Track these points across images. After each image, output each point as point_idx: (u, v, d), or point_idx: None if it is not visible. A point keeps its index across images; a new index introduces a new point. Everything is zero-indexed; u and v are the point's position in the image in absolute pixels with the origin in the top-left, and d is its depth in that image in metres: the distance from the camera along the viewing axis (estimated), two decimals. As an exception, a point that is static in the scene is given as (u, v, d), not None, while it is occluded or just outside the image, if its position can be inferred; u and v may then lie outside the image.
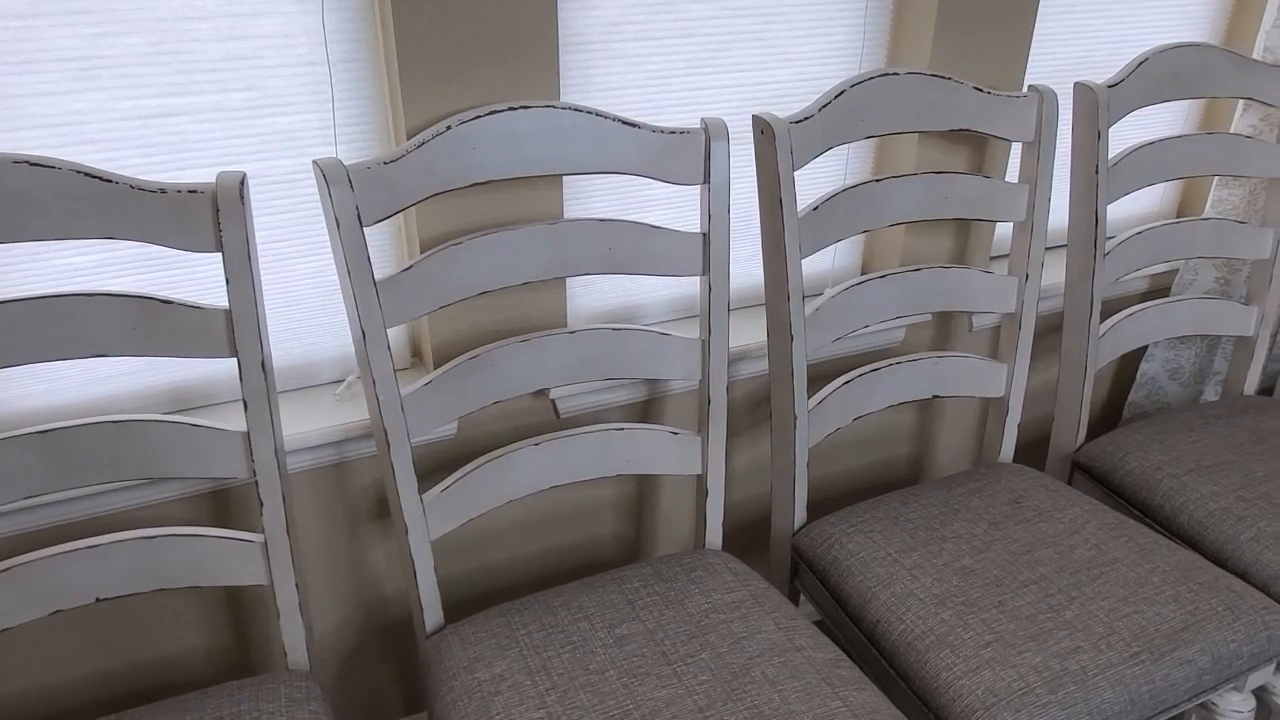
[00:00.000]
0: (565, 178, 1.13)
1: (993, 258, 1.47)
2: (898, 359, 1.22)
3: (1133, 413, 1.63)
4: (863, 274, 1.40)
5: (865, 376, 1.19)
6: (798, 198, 1.15)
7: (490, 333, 1.12)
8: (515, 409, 1.19)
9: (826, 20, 1.20)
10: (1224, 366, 1.62)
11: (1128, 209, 1.58)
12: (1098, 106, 1.18)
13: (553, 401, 1.19)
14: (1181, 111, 1.55)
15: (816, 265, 1.36)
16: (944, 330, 1.44)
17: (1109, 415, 1.69)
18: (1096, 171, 1.21)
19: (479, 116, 0.93)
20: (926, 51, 1.21)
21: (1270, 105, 1.35)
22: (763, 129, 1.02)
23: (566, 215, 1.16)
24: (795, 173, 1.13)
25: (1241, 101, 1.44)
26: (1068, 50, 1.40)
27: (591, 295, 1.23)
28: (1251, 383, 1.48)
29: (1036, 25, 1.36)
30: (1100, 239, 1.24)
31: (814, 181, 1.30)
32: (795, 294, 1.07)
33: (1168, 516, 1.21)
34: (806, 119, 1.05)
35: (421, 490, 0.99)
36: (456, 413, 1.00)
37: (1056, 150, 1.21)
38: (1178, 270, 1.55)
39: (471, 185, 0.97)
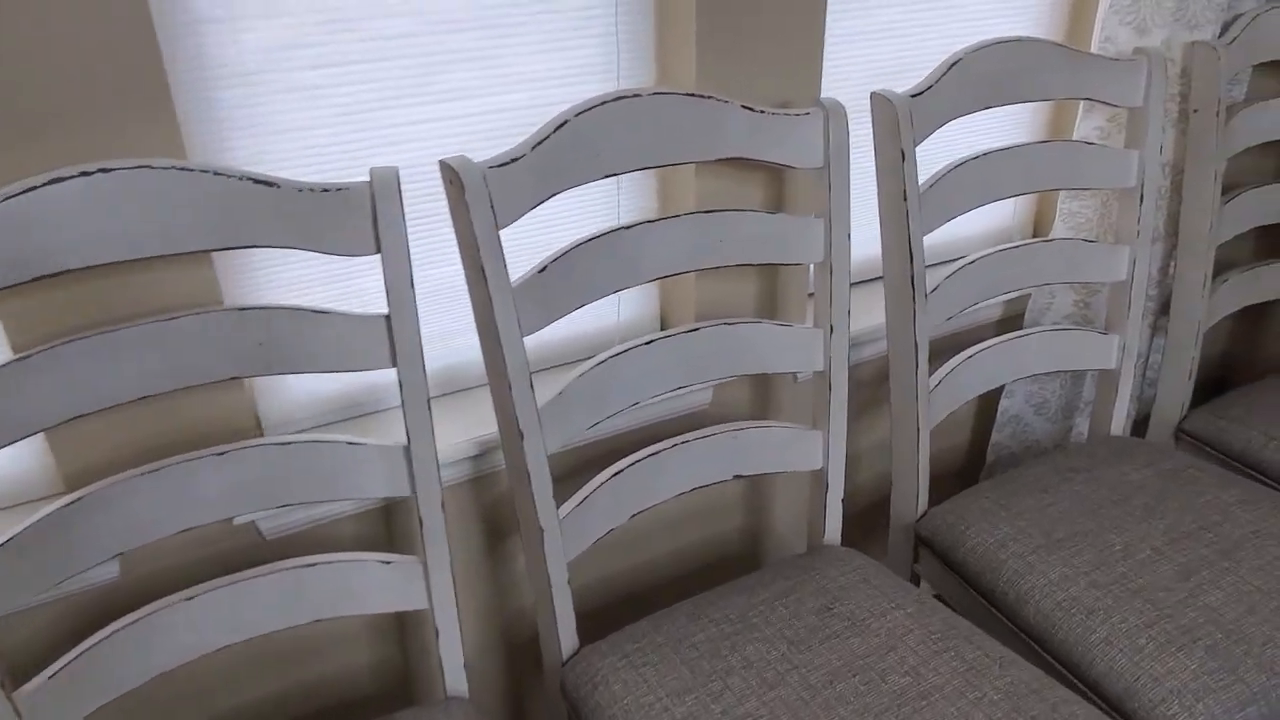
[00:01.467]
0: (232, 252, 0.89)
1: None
2: (681, 439, 1.00)
3: (997, 454, 1.44)
4: (662, 327, 1.19)
5: (642, 464, 0.98)
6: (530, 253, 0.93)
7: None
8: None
9: (567, 33, 0.98)
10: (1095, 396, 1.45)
11: (974, 229, 1.39)
12: (898, 121, 0.98)
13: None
14: (1026, 118, 1.36)
15: (601, 322, 1.14)
16: (763, 386, 1.23)
17: (974, 460, 1.51)
18: (905, 197, 1.01)
19: (29, 190, 0.69)
20: (693, 64, 1.00)
21: (1113, 105, 1.17)
22: (451, 178, 0.80)
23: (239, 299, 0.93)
24: (509, 227, 0.92)
25: (1083, 103, 1.26)
26: (882, 52, 1.20)
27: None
28: (1119, 420, 1.29)
29: (846, 23, 1.16)
30: (918, 275, 1.04)
31: (572, 225, 1.08)
32: (518, 379, 0.84)
33: (1012, 607, 1.01)
34: (514, 161, 0.82)
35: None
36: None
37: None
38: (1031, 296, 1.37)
39: (62, 273, 0.73)
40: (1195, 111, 1.22)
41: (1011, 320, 1.40)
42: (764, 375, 1.22)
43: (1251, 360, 1.72)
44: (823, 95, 1.15)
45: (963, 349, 1.18)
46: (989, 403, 1.47)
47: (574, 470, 1.13)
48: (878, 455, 1.41)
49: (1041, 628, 0.97)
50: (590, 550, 1.19)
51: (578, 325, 1.13)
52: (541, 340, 1.12)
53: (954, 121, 1.26)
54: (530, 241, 1.06)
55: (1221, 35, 1.24)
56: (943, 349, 1.31)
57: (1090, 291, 1.34)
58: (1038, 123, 1.37)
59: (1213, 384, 1.77)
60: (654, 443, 1.00)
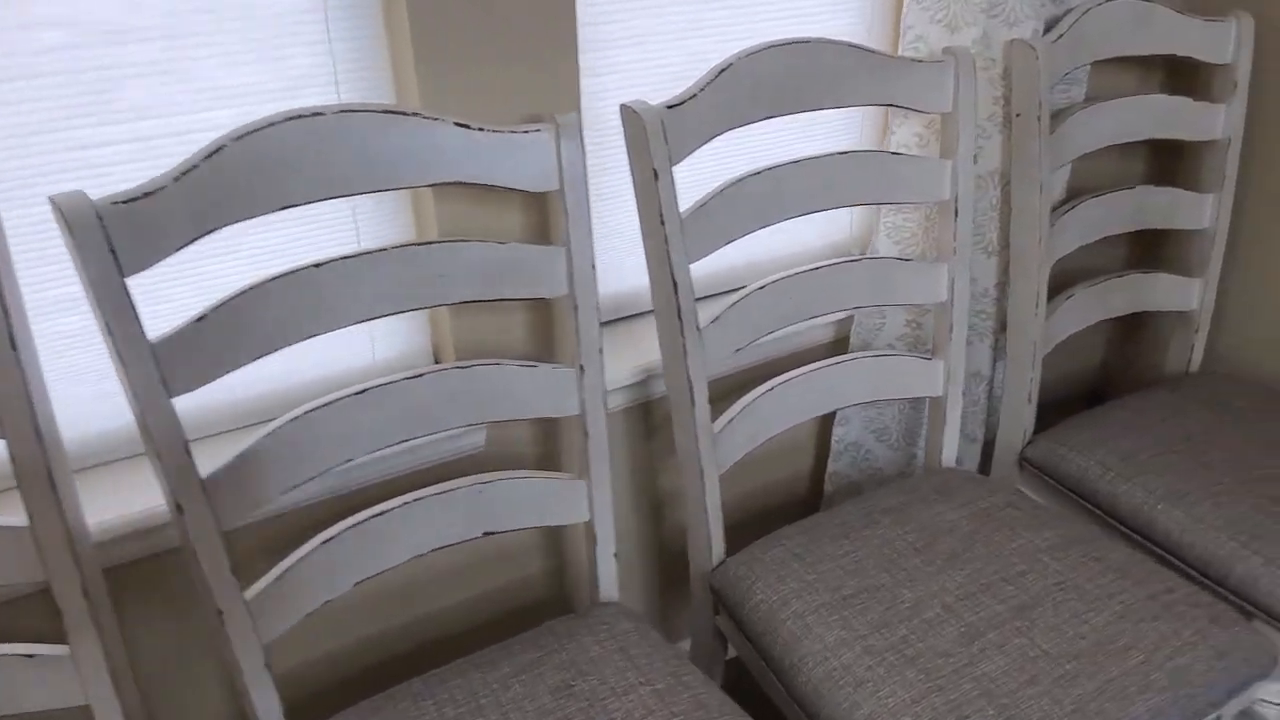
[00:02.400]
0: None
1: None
2: (415, 495, 0.90)
3: (836, 484, 1.34)
4: (437, 362, 1.08)
5: (357, 530, 0.87)
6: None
7: None
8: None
9: (273, 41, 0.87)
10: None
11: (800, 244, 1.28)
12: (647, 137, 0.88)
13: None
14: (858, 124, 1.26)
15: (358, 360, 1.03)
16: (548, 428, 1.12)
17: (817, 489, 1.41)
18: (662, 221, 0.91)
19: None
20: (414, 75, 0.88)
21: (920, 111, 1.06)
22: (68, 221, 0.69)
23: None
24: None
25: (893, 110, 1.14)
26: (676, 55, 1.09)
27: None
28: (950, 451, 1.20)
29: (635, 22, 1.04)
30: (685, 308, 0.94)
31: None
32: (168, 451, 0.73)
33: (788, 675, 0.91)
34: (145, 196, 0.71)
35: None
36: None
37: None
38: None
39: None
40: (1017, 116, 1.12)
41: (844, 343, 1.30)
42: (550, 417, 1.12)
43: (1132, 371, 1.62)
44: (599, 106, 1.05)
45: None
46: (829, 429, 1.37)
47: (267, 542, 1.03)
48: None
49: (811, 700, 0.87)
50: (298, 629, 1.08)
51: (325, 366, 1.01)
52: (288, 384, 1.01)
53: (767, 134, 1.17)
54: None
55: (1048, 31, 1.14)
56: (765, 375, 1.21)
57: (921, 311, 1.24)
58: (868, 130, 1.27)
59: (1094, 397, 1.68)
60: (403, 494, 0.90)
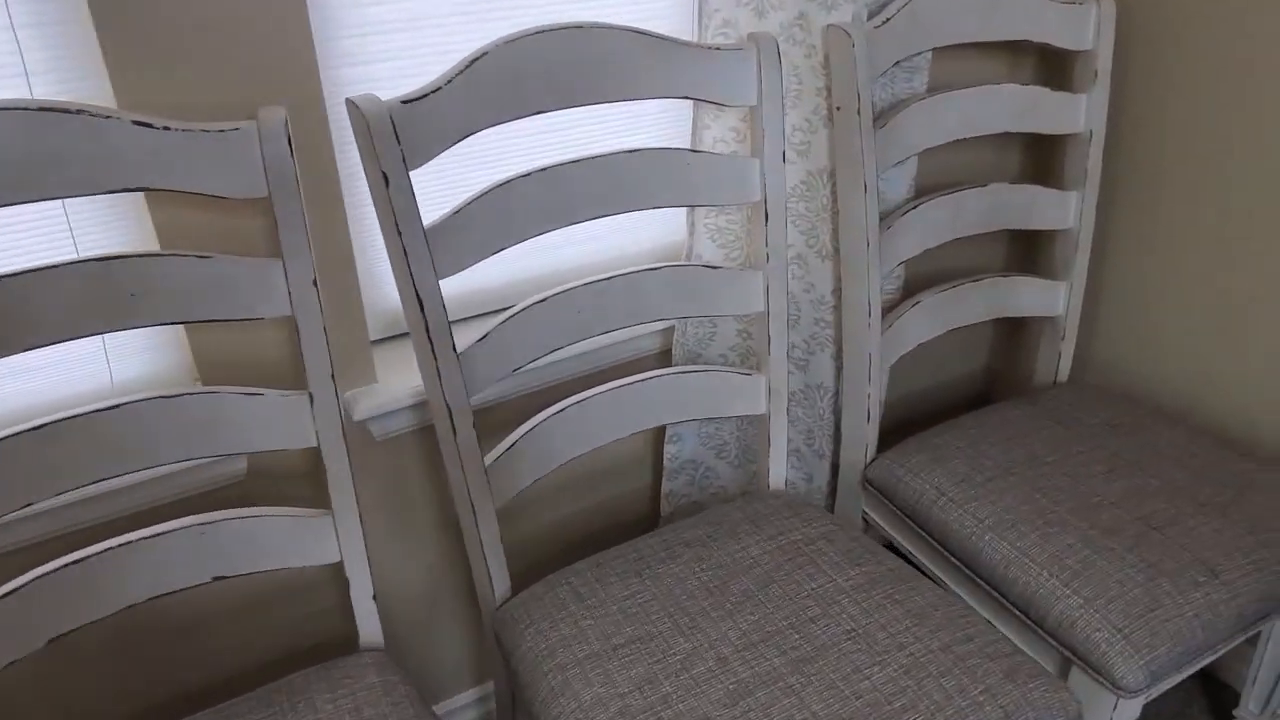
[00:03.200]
0: None
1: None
2: (122, 540, 0.80)
3: (675, 504, 1.25)
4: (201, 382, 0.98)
5: (69, 570, 0.77)
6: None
7: None
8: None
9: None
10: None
11: (640, 247, 1.17)
12: (372, 136, 0.77)
13: None
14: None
15: (92, 382, 0.92)
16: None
17: (656, 509, 1.32)
18: (398, 233, 0.81)
19: None
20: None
21: (720, 105, 0.96)
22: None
23: None
24: None
25: (707, 106, 1.04)
26: (458, 41, 0.98)
27: None
28: (779, 471, 1.11)
29: (405, 4, 0.94)
30: (434, 328, 0.84)
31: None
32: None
33: (541, 736, 0.83)
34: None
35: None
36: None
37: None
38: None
39: None
40: (838, 109, 1.02)
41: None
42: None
43: (1012, 379, 1.54)
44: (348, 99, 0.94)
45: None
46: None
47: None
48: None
49: (559, 768, 0.79)
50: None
51: (45, 394, 0.91)
52: None
53: (580, 131, 1.07)
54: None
55: (874, 16, 1.04)
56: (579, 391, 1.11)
57: (753, 321, 1.15)
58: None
59: (978, 401, 1.59)
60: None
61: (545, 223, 0.91)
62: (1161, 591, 0.90)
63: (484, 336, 0.89)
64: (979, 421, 1.18)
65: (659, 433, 1.24)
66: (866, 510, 1.18)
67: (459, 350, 0.87)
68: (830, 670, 0.82)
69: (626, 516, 1.29)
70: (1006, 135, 1.36)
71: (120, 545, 0.80)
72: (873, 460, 1.16)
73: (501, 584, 0.96)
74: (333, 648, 1.12)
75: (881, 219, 1.12)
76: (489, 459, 0.92)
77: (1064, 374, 1.32)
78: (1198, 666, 0.94)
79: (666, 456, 1.20)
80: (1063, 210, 1.24)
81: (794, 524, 1.01)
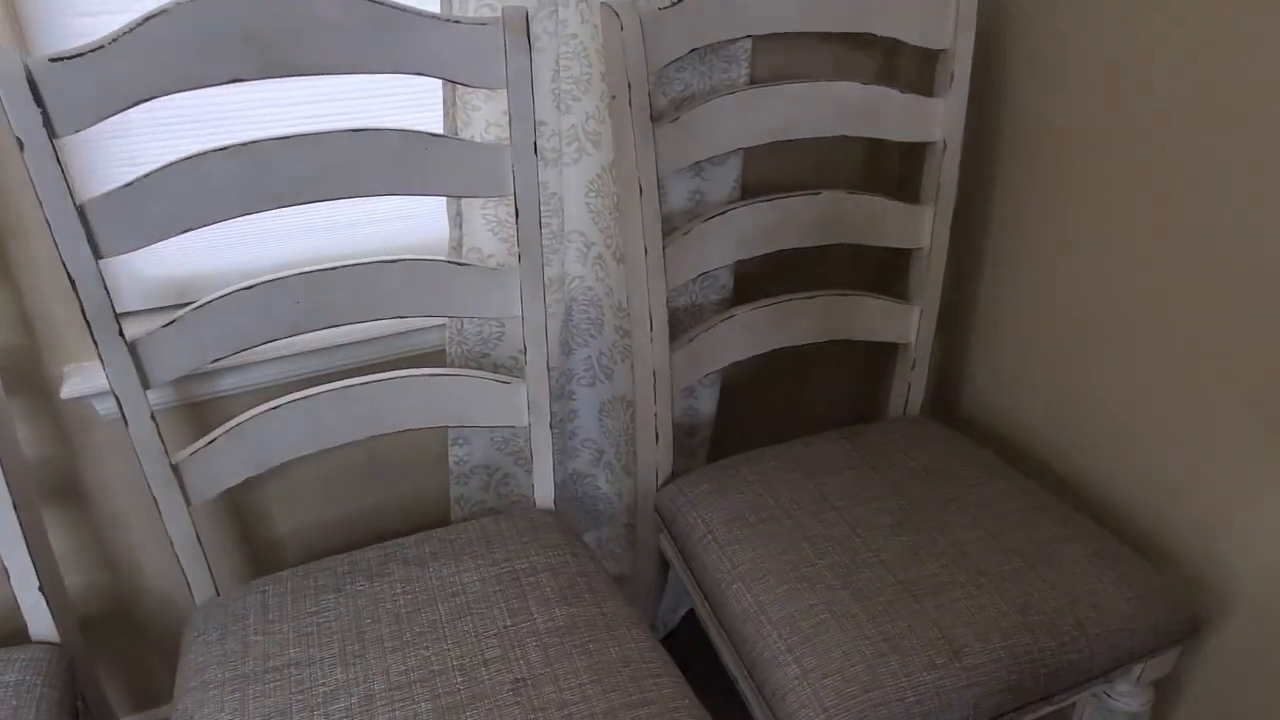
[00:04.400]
0: None
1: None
2: None
3: (468, 510, 1.17)
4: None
5: None
6: None
7: None
8: None
9: None
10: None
11: (411, 239, 1.09)
12: (1, 97, 0.70)
13: None
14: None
15: None
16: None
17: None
18: (40, 204, 0.74)
19: None
20: None
21: (464, 85, 0.87)
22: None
23: None
24: None
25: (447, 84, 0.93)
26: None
27: None
28: (544, 490, 1.02)
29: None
30: (92, 309, 0.77)
31: None
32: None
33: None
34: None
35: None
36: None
37: None
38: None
39: None
40: (613, 98, 0.91)
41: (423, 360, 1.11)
42: None
43: (874, 404, 1.42)
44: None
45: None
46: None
47: None
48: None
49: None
50: None
51: None
52: None
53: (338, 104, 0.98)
54: None
55: (668, -4, 0.93)
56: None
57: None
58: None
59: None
60: None
61: (246, 204, 0.83)
62: (886, 670, 0.79)
63: (169, 324, 0.82)
64: (787, 453, 1.07)
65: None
66: (660, 537, 1.09)
67: (131, 337, 0.80)
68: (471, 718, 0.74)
69: (420, 517, 1.21)
70: (864, 142, 1.24)
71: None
72: (664, 484, 1.07)
73: (202, 588, 0.90)
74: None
75: (686, 224, 1.01)
76: (181, 455, 0.86)
77: (915, 407, 1.20)
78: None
79: (452, 459, 1.12)
80: (914, 226, 1.11)
81: (527, 550, 0.92)
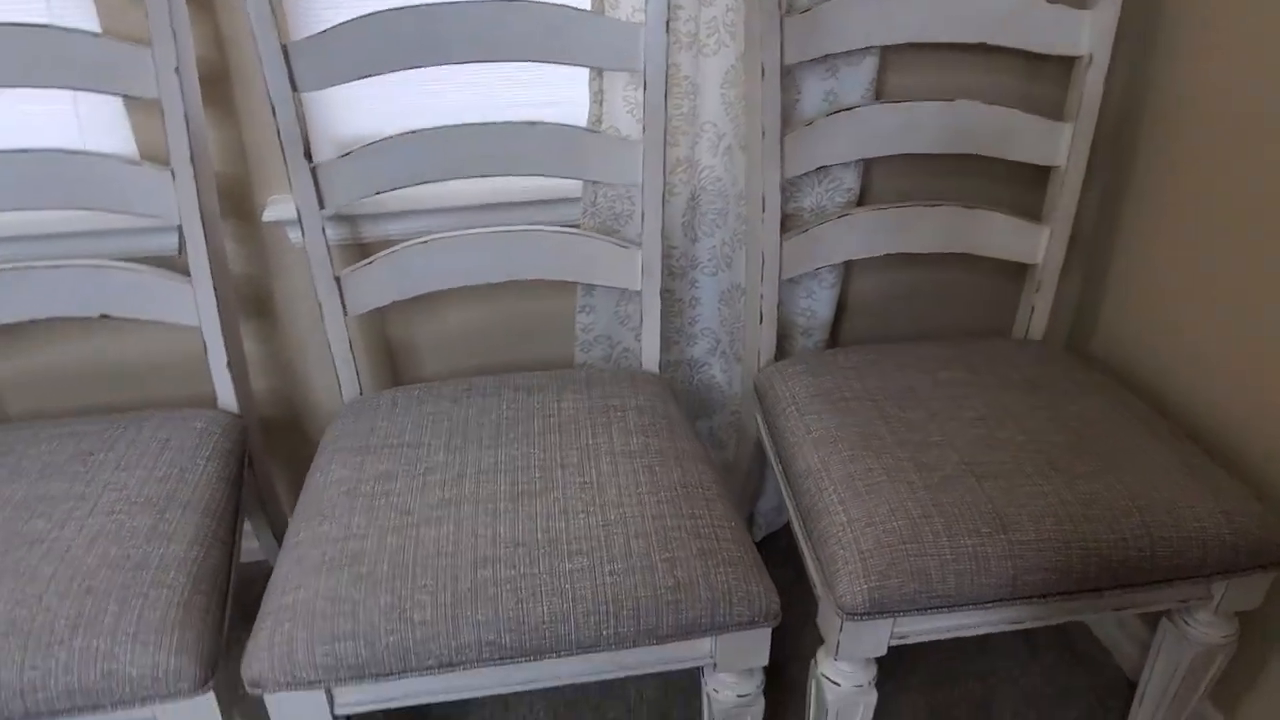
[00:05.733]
0: None
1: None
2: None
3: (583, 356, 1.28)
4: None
5: None
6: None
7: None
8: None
9: None
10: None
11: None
12: (236, -55, 0.87)
13: None
14: None
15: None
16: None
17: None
18: (255, 39, 0.90)
19: None
20: None
21: (612, -35, 0.95)
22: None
23: None
24: None
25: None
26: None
27: None
28: (650, 355, 1.10)
29: None
30: (286, 134, 0.93)
31: None
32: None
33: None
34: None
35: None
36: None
37: None
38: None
39: None
40: (745, -15, 0.97)
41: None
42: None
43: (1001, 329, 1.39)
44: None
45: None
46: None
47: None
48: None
49: (290, 528, 0.88)
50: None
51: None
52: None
53: None
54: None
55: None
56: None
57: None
58: None
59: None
60: None
61: (420, 58, 0.97)
62: (929, 529, 0.82)
63: (345, 155, 0.98)
64: (887, 350, 1.10)
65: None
66: (756, 416, 1.16)
67: (316, 161, 0.97)
68: (539, 507, 0.84)
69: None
70: (1007, 55, 1.21)
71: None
72: (765, 366, 1.13)
73: (350, 387, 1.07)
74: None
75: (809, 119, 1.06)
76: (343, 270, 1.02)
77: (1037, 332, 1.18)
78: (964, 625, 0.85)
79: (579, 326, 1.24)
80: (1051, 143, 1.10)
81: (623, 393, 1.02)
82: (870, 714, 0.90)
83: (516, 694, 1.19)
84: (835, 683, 0.87)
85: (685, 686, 1.20)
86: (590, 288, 1.21)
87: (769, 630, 0.82)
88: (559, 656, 0.78)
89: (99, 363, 1.20)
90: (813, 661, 0.91)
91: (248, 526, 1.20)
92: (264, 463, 1.12)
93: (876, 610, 0.81)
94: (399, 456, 0.92)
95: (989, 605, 0.84)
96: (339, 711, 0.79)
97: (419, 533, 0.82)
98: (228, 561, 0.87)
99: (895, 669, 1.23)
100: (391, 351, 1.27)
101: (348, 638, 0.74)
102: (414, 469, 0.91)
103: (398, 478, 0.89)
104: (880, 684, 1.19)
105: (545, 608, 0.76)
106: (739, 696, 0.86)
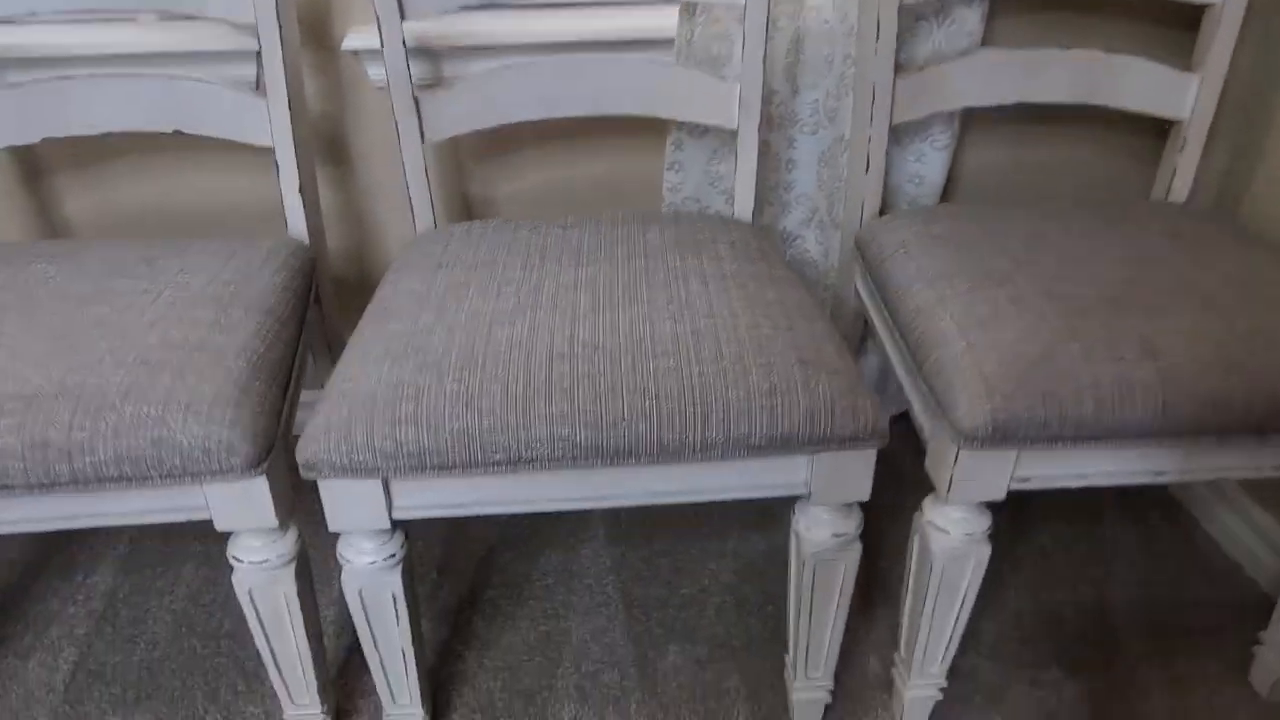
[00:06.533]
0: None
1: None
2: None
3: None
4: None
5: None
6: None
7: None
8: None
9: None
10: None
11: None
12: None
13: None
14: None
15: None
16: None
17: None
18: None
19: None
20: None
21: None
22: None
23: None
24: None
25: None
26: None
27: None
28: (744, 202, 1.01)
29: None
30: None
31: None
32: None
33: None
34: None
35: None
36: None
37: None
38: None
39: None
40: None
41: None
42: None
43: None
44: None
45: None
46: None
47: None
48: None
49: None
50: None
51: None
52: None
53: None
54: None
55: None
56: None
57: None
58: None
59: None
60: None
61: None
62: (1064, 352, 0.72)
63: (427, -42, 0.92)
64: (1009, 207, 1.00)
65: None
66: (856, 279, 1.06)
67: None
68: (621, 315, 0.77)
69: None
70: None
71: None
72: (869, 222, 1.03)
73: (424, 218, 1.01)
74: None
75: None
76: (423, 91, 0.96)
77: (1180, 194, 1.06)
78: (1098, 473, 0.75)
79: (666, 185, 1.16)
80: (1208, -25, 0.98)
81: (714, 231, 0.94)
82: (980, 575, 0.81)
83: (584, 566, 1.12)
84: (944, 530, 0.78)
85: (762, 568, 1.12)
86: (679, 144, 1.13)
87: (873, 454, 0.73)
88: (638, 463, 0.71)
89: (171, 203, 1.17)
90: (916, 514, 0.82)
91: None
92: (330, 303, 1.07)
93: (1000, 437, 0.71)
94: (473, 271, 0.86)
95: (1130, 442, 0.73)
96: (397, 515, 0.73)
97: (491, 331, 0.75)
98: (290, 361, 0.82)
99: (1000, 567, 1.12)
100: (470, 209, 1.21)
101: (410, 422, 0.68)
102: (489, 280, 0.84)
103: (471, 286, 0.83)
104: (986, 576, 1.09)
105: (625, 404, 0.68)
106: (834, 536, 0.77)
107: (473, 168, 1.18)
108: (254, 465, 0.69)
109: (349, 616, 1.05)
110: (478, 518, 1.20)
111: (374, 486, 0.71)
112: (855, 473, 0.73)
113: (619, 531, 1.19)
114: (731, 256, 0.88)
